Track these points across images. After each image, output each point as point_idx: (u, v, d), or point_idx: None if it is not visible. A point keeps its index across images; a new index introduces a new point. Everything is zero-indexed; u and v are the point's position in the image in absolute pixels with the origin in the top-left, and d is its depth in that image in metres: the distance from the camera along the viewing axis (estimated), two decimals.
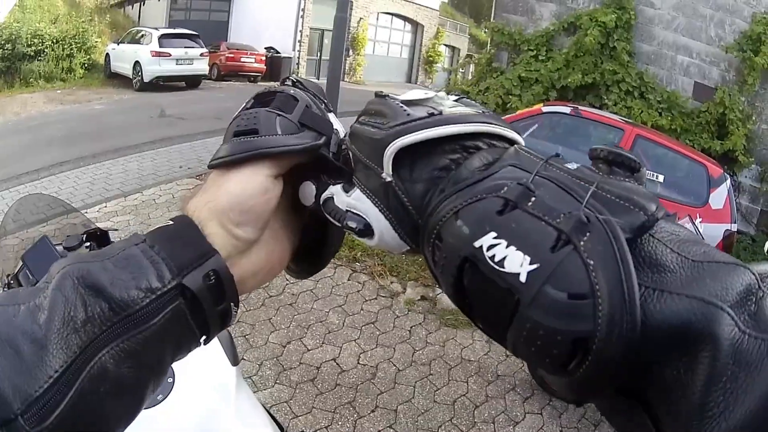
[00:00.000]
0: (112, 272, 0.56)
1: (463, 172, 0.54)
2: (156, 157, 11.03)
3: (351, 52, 31.38)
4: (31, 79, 20.44)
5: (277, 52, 27.23)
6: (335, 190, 0.64)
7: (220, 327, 0.63)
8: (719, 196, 7.10)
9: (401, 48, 38.04)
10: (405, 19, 37.01)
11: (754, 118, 10.45)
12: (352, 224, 0.61)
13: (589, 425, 4.61)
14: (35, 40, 20.99)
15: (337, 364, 4.88)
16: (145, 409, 1.53)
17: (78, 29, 22.56)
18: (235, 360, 1.81)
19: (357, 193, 0.61)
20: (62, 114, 15.85)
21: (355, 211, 0.61)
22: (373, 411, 4.40)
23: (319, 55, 30.37)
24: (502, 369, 5.11)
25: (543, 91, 10.91)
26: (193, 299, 0.58)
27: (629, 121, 8.70)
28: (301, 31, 29.12)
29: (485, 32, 13.52)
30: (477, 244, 0.47)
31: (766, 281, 0.43)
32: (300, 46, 29.33)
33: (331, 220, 0.65)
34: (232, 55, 24.71)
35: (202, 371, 1.69)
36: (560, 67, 11.01)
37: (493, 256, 0.46)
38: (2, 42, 20.40)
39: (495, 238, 0.46)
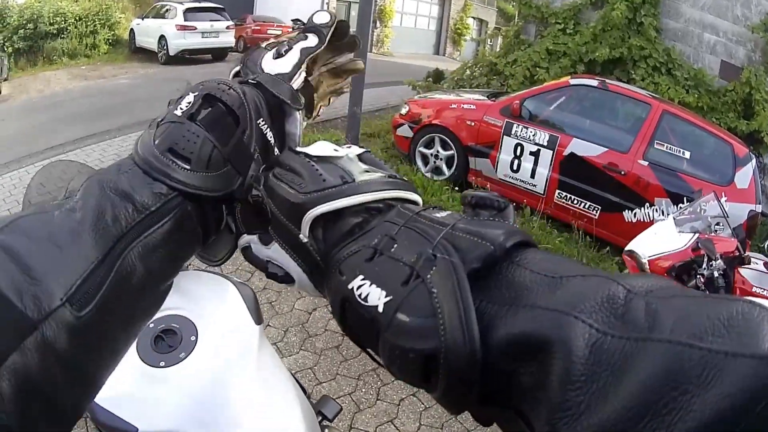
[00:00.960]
0: (131, 180, 0.65)
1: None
2: None
3: (378, 24, 31.35)
4: (54, 57, 20.51)
5: (304, 24, 26.74)
6: (252, 240, 0.73)
7: (215, 230, 0.74)
8: (744, 176, 7.08)
9: (428, 20, 37.74)
10: None
11: None
12: (276, 272, 0.71)
13: None
14: (57, 19, 21.01)
15: None
16: (168, 367, 1.54)
17: (101, 6, 22.59)
18: (258, 319, 1.82)
19: (275, 246, 0.69)
20: (87, 89, 15.87)
21: (275, 262, 0.71)
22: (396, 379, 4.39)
23: None
24: None
25: (570, 64, 10.80)
26: (197, 200, 0.69)
27: (656, 96, 8.60)
28: (327, 4, 28.96)
29: (513, 5, 13.43)
30: (350, 286, 0.57)
31: (637, 288, 0.45)
32: None
33: (254, 266, 0.74)
34: (258, 28, 24.44)
35: (225, 330, 1.70)
36: (588, 41, 10.87)
37: (360, 293, 0.56)
38: (24, 22, 20.47)
39: (362, 279, 0.57)
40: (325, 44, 0.90)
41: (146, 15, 22.13)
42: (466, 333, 0.48)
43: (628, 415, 0.38)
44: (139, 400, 1.46)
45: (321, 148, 0.71)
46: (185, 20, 20.11)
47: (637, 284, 0.45)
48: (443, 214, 0.61)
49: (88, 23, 21.65)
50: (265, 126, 0.78)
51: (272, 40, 0.90)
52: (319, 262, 0.65)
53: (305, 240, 0.65)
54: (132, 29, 22.56)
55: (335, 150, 0.70)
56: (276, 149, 0.80)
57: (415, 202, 0.68)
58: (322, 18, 0.90)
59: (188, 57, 20.35)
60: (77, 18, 21.44)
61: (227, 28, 21.44)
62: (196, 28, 20.24)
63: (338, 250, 0.62)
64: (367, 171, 0.69)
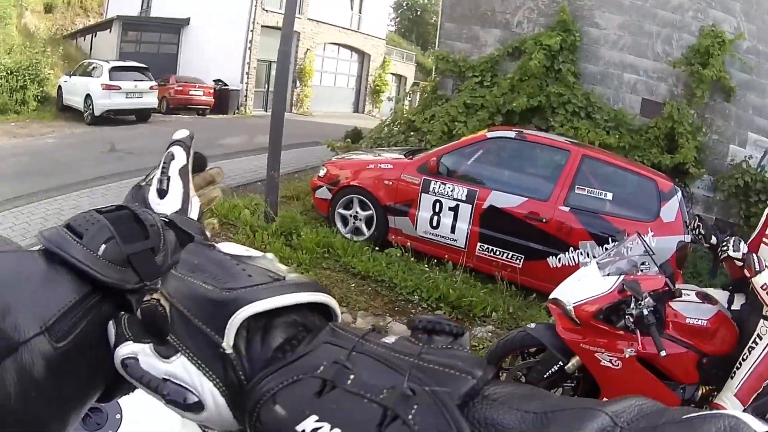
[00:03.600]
0: None
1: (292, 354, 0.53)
2: (106, 192, 10.88)
3: (298, 84, 31.67)
4: None
5: (225, 85, 27.16)
6: (139, 350, 0.57)
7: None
8: (670, 210, 7.25)
9: (348, 78, 38.32)
10: (352, 49, 37.33)
11: (704, 129, 10.68)
12: (178, 398, 0.55)
13: None
14: None
15: None
16: None
17: (31, 60, 22.32)
18: None
19: (182, 360, 0.55)
20: (15, 148, 15.66)
21: (177, 381, 0.55)
22: None
23: (267, 86, 30.18)
24: None
25: (488, 116, 10.96)
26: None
27: (575, 141, 8.86)
28: (248, 63, 29.11)
29: (431, 60, 13.67)
30: (299, 428, 0.46)
31: (622, 416, 0.42)
32: (248, 78, 29.35)
33: (140, 386, 0.58)
34: (180, 88, 24.63)
35: (148, 408, 1.69)
36: (505, 92, 11.11)
37: None
38: None
39: (317, 421, 0.46)
40: (191, 154, 0.82)
41: (74, 72, 21.92)
42: None
43: None
44: None
45: (231, 247, 0.61)
46: (110, 79, 19.93)
47: (619, 410, 0.43)
48: (392, 339, 0.53)
49: (19, 78, 21.31)
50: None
51: (150, 176, 0.81)
52: (244, 382, 0.53)
53: (229, 351, 0.53)
54: (60, 86, 22.30)
55: (246, 250, 0.61)
56: None
57: (336, 314, 0.59)
58: (180, 134, 0.83)
59: (113, 117, 20.13)
60: (9, 71, 21.10)
61: (151, 88, 21.33)
62: (120, 88, 20.05)
63: (268, 374, 0.51)
64: (291, 272, 0.59)
